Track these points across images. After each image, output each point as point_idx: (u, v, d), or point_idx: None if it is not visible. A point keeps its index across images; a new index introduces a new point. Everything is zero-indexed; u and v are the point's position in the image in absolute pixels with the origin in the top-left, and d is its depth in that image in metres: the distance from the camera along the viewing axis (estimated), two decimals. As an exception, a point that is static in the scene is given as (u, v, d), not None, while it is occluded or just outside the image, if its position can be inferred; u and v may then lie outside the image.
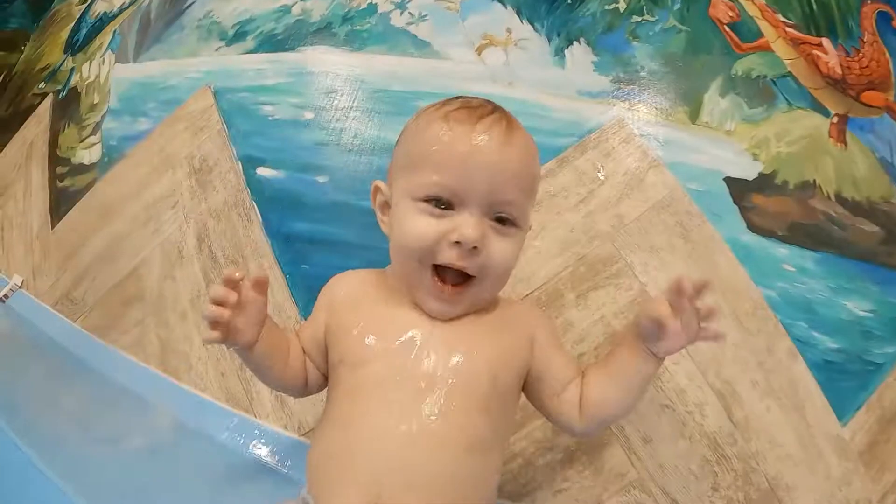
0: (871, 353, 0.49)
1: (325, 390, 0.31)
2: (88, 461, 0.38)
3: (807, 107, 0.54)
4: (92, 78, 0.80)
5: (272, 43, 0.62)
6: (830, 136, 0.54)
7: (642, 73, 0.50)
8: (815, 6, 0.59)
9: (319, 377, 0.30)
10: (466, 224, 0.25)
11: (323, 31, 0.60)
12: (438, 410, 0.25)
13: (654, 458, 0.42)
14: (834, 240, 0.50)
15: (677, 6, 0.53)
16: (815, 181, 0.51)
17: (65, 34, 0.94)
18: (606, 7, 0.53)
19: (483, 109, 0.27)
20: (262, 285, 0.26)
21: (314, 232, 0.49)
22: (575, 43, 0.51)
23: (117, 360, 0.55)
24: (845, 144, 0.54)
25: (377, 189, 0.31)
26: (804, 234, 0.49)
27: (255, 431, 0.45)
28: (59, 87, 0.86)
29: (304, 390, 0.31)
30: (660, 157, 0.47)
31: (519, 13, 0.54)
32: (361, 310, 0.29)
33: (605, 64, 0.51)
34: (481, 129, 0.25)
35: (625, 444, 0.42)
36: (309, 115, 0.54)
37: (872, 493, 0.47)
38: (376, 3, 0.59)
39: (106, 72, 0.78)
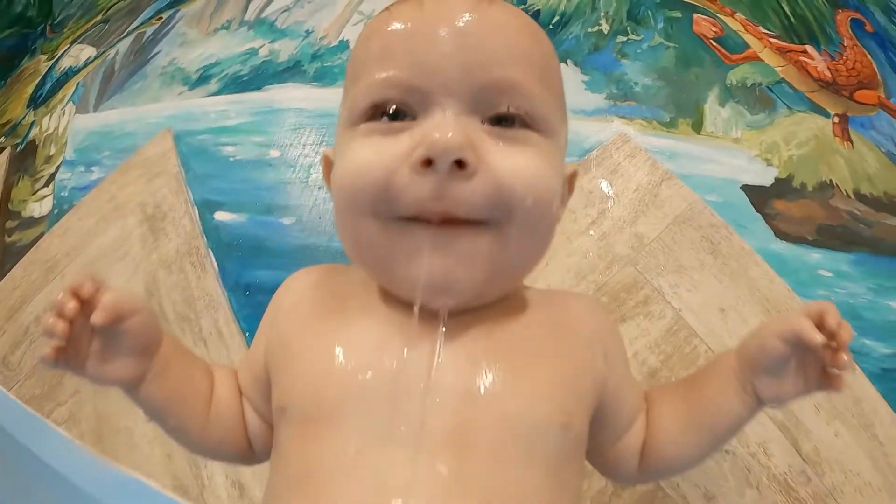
0: None
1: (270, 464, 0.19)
2: None
3: (807, 109, 0.52)
4: (50, 130, 0.75)
5: (237, 84, 0.58)
6: (836, 136, 0.51)
7: (637, 89, 0.47)
8: (792, 17, 0.59)
9: (267, 434, 0.19)
10: (440, 126, 0.13)
11: (291, 70, 0.57)
12: (456, 473, 0.13)
13: None
14: (864, 238, 0.45)
15: (661, 25, 0.52)
16: (831, 181, 0.47)
17: (29, 90, 0.91)
18: (589, 29, 0.51)
19: None
20: (110, 309, 0.15)
21: (278, 279, 0.41)
22: (562, 64, 0.48)
23: (52, 437, 0.44)
24: (851, 142, 0.51)
25: (325, 158, 0.20)
26: (833, 236, 0.44)
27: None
28: (18, 140, 0.81)
29: (249, 456, 0.20)
30: (671, 170, 0.42)
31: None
32: (316, 322, 0.17)
33: (597, 82, 0.48)
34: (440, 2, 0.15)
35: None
36: (274, 154, 0.49)
37: None
38: (347, 40, 0.57)
39: (65, 123, 0.73)
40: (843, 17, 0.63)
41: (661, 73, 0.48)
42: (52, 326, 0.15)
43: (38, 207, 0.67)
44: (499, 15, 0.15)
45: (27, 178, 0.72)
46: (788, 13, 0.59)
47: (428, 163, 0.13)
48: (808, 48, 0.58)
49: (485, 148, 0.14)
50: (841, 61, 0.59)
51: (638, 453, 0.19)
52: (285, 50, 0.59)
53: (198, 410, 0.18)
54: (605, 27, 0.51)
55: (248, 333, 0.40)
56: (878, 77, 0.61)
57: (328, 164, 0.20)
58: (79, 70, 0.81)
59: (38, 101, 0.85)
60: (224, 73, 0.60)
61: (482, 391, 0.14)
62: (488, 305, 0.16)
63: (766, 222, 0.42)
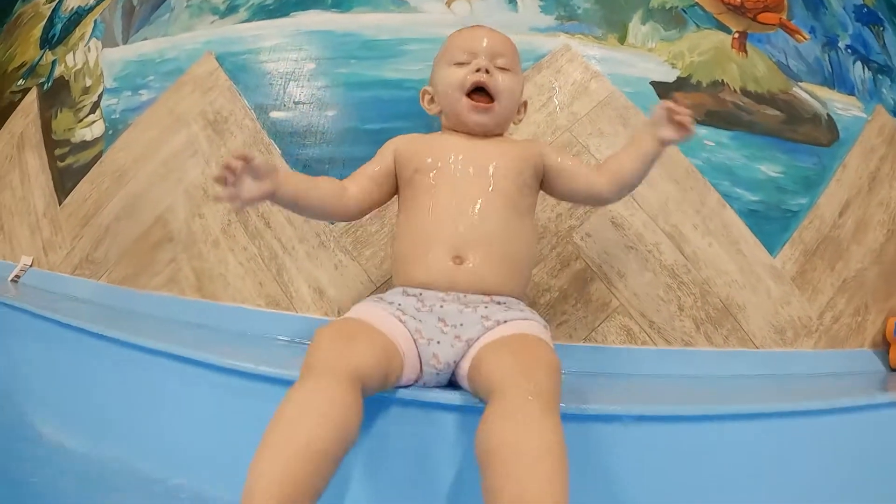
0: (787, 203, 0.73)
1: (398, 208, 0.49)
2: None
3: (712, 27, 0.79)
4: (79, 65, 0.95)
5: (265, 12, 0.80)
6: (733, 48, 0.79)
7: (579, 11, 0.74)
8: None
9: (358, 200, 0.47)
10: (481, 60, 0.48)
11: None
12: (488, 190, 0.44)
13: (628, 288, 0.62)
14: (743, 122, 0.74)
15: None
16: (723, 80, 0.76)
17: (37, 32, 1.09)
18: None
19: (478, 25, 0.54)
20: (247, 158, 0.37)
21: (330, 154, 0.67)
22: (523, -9, 0.74)
23: (150, 299, 0.69)
24: (746, 53, 0.79)
25: (424, 92, 0.53)
26: (718, 119, 0.73)
27: (298, 323, 0.61)
28: (42, 79, 1.01)
29: (343, 212, 0.47)
30: (599, 70, 0.69)
31: (477, -30, 0.77)
32: (424, 144, 0.49)
33: (549, 6, 0.74)
34: (477, 26, 0.53)
35: (605, 279, 0.62)
36: (310, 66, 0.73)
37: (811, 311, 0.70)
38: (359, -29, 0.80)
39: (94, 57, 0.94)
40: None
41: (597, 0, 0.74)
42: (222, 174, 0.37)
43: (90, 132, 0.89)
44: (499, 33, 0.53)
45: (66, 110, 0.93)
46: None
47: (478, 71, 0.48)
48: None
49: (495, 72, 0.49)
50: None
51: (596, 175, 0.49)
52: (303, -20, 0.81)
53: (315, 192, 0.46)
54: None
55: None
56: (785, 2, 0.88)
57: (424, 94, 0.53)
58: (91, 9, 1.01)
59: (53, 41, 1.05)
60: (250, 3, 0.82)
61: (489, 162, 0.47)
62: (493, 136, 0.50)
63: (667, 105, 0.70)
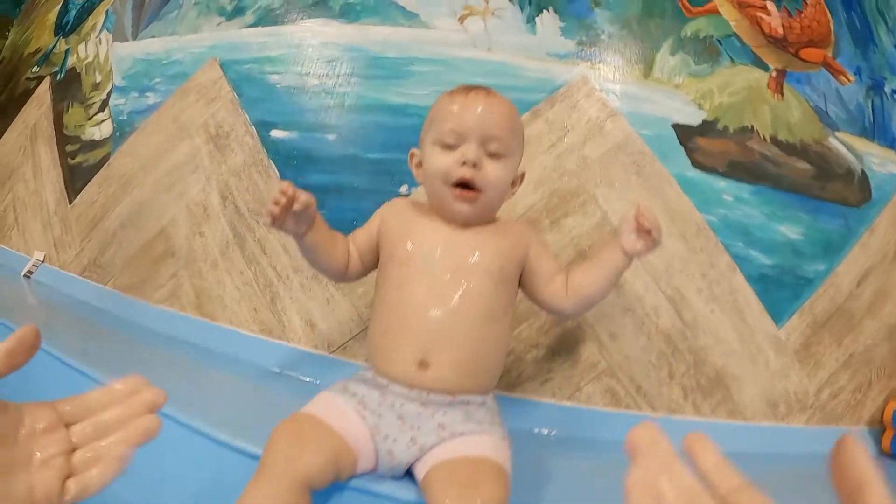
0: (803, 269, 0.66)
1: (375, 289, 0.45)
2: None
3: (748, 62, 0.69)
4: (90, 58, 0.91)
5: (271, 17, 0.74)
6: (769, 88, 0.70)
7: (602, 36, 0.65)
8: None
9: (360, 269, 0.46)
10: (470, 150, 0.41)
11: (318, 6, 0.72)
12: (462, 291, 0.40)
13: (620, 351, 0.58)
14: (769, 175, 0.66)
15: None
16: (752, 126, 0.67)
17: (52, 17, 1.04)
18: None
19: (474, 87, 0.44)
20: (307, 206, 0.39)
21: (328, 181, 0.63)
22: (544, 11, 0.66)
23: (153, 312, 0.68)
24: (782, 95, 0.70)
25: (412, 154, 0.47)
26: (742, 170, 0.65)
27: (289, 354, 0.59)
28: (56, 69, 0.97)
29: (343, 276, 0.46)
30: (617, 108, 0.62)
31: (496, -15, 0.68)
32: (407, 224, 0.44)
33: (571, 29, 0.65)
34: (472, 95, 0.43)
35: (595, 340, 0.58)
36: (313, 82, 0.68)
37: (809, 386, 0.64)
38: (367, -22, 0.72)
39: (105, 51, 0.90)
40: None
41: (625, 23, 0.65)
42: (273, 208, 0.38)
43: (98, 131, 0.86)
44: (495, 101, 0.43)
45: (77, 104, 0.91)
46: (762, -35, 0.73)
47: (465, 163, 0.41)
48: (769, 3, 0.73)
49: (484, 161, 0.42)
50: (797, 19, 0.75)
51: (564, 289, 0.44)
52: (311, -16, 0.74)
53: (327, 252, 0.43)
54: None
55: None
56: (832, 37, 0.77)
57: (412, 156, 0.47)
58: None
59: (67, 29, 1.00)
60: (257, 5, 0.76)
61: (469, 257, 0.42)
62: (477, 224, 0.44)
63: (687, 154, 0.63)
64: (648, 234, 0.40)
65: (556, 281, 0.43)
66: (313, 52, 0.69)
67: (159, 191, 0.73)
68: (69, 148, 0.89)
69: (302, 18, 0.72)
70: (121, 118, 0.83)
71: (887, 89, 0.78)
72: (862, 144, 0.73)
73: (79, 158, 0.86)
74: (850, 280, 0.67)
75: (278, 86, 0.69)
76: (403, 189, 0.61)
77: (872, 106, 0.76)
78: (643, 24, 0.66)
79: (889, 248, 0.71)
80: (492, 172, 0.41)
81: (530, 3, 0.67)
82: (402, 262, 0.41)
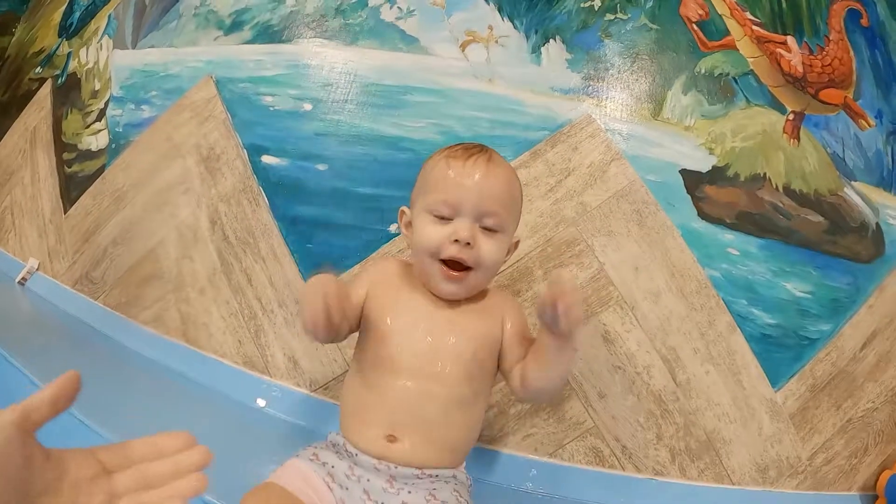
0: (807, 330, 0.61)
1: (353, 353, 0.42)
2: (112, 404, 0.49)
3: (765, 104, 0.63)
4: (90, 64, 0.87)
5: (269, 34, 0.69)
6: (785, 133, 0.63)
7: (612, 71, 0.59)
8: (784, 4, 0.66)
9: (347, 331, 0.41)
10: (462, 227, 0.37)
11: (317, 23, 0.67)
12: (435, 374, 0.37)
13: (607, 410, 0.54)
14: (779, 228, 0.61)
15: (650, 4, 0.61)
16: (765, 174, 0.61)
17: (57, 17, 1.00)
18: (582, 5, 0.61)
19: (473, 150, 0.40)
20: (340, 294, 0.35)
21: (317, 215, 0.59)
22: (551, 41, 0.60)
23: (141, 333, 0.65)
24: (798, 140, 0.64)
25: (402, 213, 0.43)
26: (750, 223, 0.59)
27: (271, 390, 0.56)
28: (58, 72, 0.93)
29: (336, 339, 0.40)
30: (622, 151, 0.57)
31: (500, 10, 0.62)
32: (392, 294, 0.41)
33: (578, 61, 0.59)
34: (470, 162, 0.38)
35: (583, 397, 0.54)
36: (307, 107, 0.63)
37: (802, 451, 0.60)
38: (366, -2, 0.67)
39: (105, 58, 0.85)
40: (839, 8, 0.69)
41: (636, 58, 0.59)
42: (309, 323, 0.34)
43: (95, 141, 0.83)
44: (495, 170, 0.38)
45: (76, 111, 0.87)
46: (782, -1, 0.66)
47: (456, 241, 0.37)
48: (790, 39, 0.66)
49: (479, 239, 0.38)
50: (819, 57, 0.68)
51: (519, 381, 0.39)
52: (311, 1, 0.69)
53: (337, 328, 0.37)
54: (597, 2, 0.60)
55: (296, 255, 0.59)
56: (853, 76, 0.70)
57: (402, 215, 0.43)
58: (107, 1, 0.90)
59: (71, 31, 0.96)
60: (256, 21, 0.71)
61: (447, 340, 0.39)
62: (462, 301, 0.40)
63: (693, 203, 0.57)
64: (562, 314, 0.32)
65: (515, 372, 0.39)
66: (309, 74, 0.64)
67: (150, 210, 0.70)
68: (66, 156, 0.85)
69: (300, 37, 0.67)
70: (117, 129, 0.79)
71: (909, 134, 0.71)
72: (879, 195, 0.66)
73: (75, 167, 0.83)
74: (855, 343, 0.62)
75: (272, 108, 0.65)
76: (392, 228, 0.57)
77: (892, 153, 0.70)
78: (655, 59, 0.60)
79: (898, 307, 0.65)
80: (485, 249, 0.38)
81: (536, 32, 0.61)
82: (381, 338, 0.39)
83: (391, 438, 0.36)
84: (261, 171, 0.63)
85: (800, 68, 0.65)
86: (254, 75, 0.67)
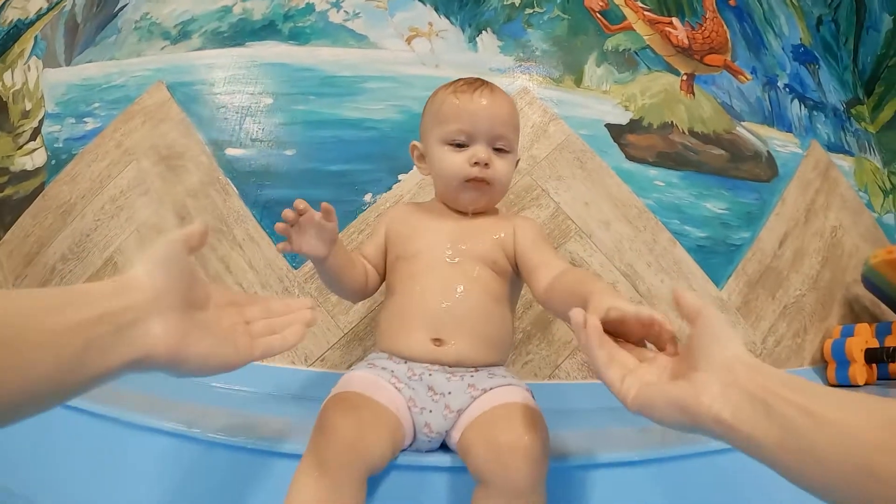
0: (732, 238, 0.80)
1: (384, 288, 0.48)
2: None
3: (662, 69, 0.84)
4: (18, 85, 0.90)
5: (219, 40, 0.79)
6: (681, 90, 0.85)
7: (537, 53, 0.77)
8: None
9: (377, 279, 0.48)
10: (480, 150, 0.45)
11: (267, 29, 0.78)
12: (469, 277, 0.44)
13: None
14: (691, 161, 0.80)
15: None
16: (672, 122, 0.81)
17: None
18: (505, 2, 0.79)
19: (475, 83, 0.47)
20: (329, 213, 0.39)
21: (290, 196, 0.66)
22: (483, 32, 0.76)
23: None
24: (693, 94, 0.85)
25: (414, 147, 0.50)
26: (668, 160, 0.78)
27: (265, 372, 0.60)
28: (-26, 97, 0.93)
29: (363, 293, 0.48)
30: (556, 113, 0.73)
31: (437, 9, 0.78)
32: (412, 223, 0.48)
33: (509, 47, 0.76)
34: (477, 94, 0.46)
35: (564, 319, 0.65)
36: (267, 101, 0.73)
37: (755, 337, 0.76)
38: (313, 3, 0.80)
39: (34, 78, 0.89)
40: None
41: (555, 41, 0.78)
42: (287, 214, 0.37)
43: (30, 160, 0.84)
44: (500, 98, 0.47)
45: (5, 135, 0.87)
46: (664, -13, 0.90)
47: (476, 163, 0.45)
48: (675, 20, 0.90)
49: (493, 159, 0.46)
50: (699, 31, 0.92)
51: (541, 289, 0.42)
52: (258, 9, 0.80)
53: (349, 274, 0.44)
54: (517, 0, 0.79)
55: (273, 237, 0.65)
56: (729, 44, 0.96)
57: (414, 149, 0.51)
58: (31, 23, 0.95)
59: (-12, 55, 0.97)
60: (204, 29, 0.80)
61: (472, 246, 0.46)
62: (480, 215, 0.49)
63: (620, 149, 0.75)
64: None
65: (538, 277, 0.43)
66: (267, 72, 0.74)
67: (104, 219, 0.73)
68: None
69: (251, 41, 0.77)
70: (56, 146, 0.82)
71: (780, 84, 0.97)
72: (764, 131, 0.89)
73: (8, 191, 0.83)
74: (772, 244, 0.81)
75: (230, 106, 0.73)
76: (368, 197, 0.67)
77: (769, 99, 0.94)
78: (570, 42, 0.79)
79: (800, 214, 0.86)
80: (500, 167, 0.46)
81: (470, 25, 0.77)
82: (411, 256, 0.45)
83: (438, 342, 0.41)
84: (226, 164, 0.70)
85: (685, 41, 0.88)
86: (207, 77, 0.76)
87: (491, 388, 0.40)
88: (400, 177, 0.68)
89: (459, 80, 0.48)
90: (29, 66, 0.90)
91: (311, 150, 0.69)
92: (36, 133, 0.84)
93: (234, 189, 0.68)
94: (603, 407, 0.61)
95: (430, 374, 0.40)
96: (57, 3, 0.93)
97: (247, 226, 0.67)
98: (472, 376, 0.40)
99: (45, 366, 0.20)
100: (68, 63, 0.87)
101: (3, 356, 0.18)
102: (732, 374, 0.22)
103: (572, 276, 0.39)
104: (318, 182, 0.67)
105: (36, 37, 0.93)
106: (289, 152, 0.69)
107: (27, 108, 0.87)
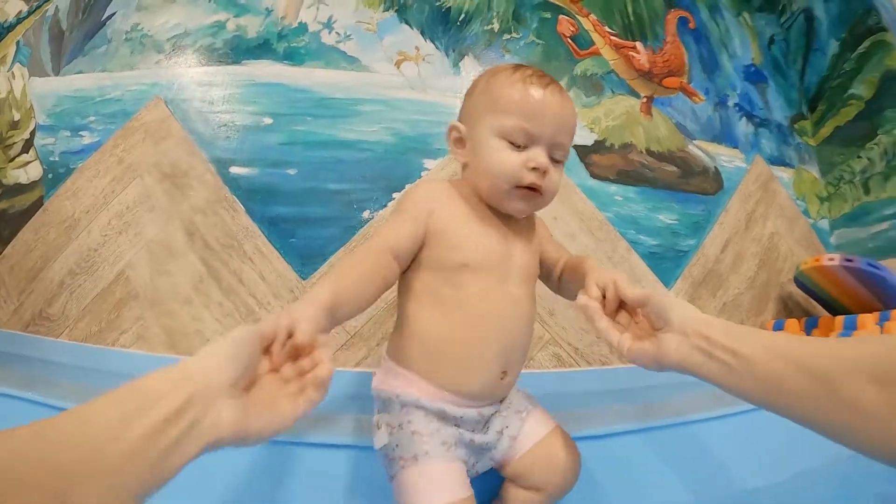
0: (680, 245, 0.98)
1: (414, 297, 0.45)
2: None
3: (625, 92, 1.00)
4: (3, 94, 0.94)
5: (214, 56, 0.87)
6: (641, 111, 1.01)
7: (516, 77, 0.90)
8: (631, 17, 1.06)
9: (397, 273, 0.42)
10: (540, 156, 0.42)
11: (262, 47, 0.88)
12: (523, 296, 0.44)
13: (557, 323, 0.83)
14: (647, 178, 0.97)
15: (535, 25, 0.95)
16: (631, 142, 0.98)
17: None
18: (485, 28, 0.92)
19: (547, 78, 0.44)
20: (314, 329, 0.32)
21: (294, 213, 0.79)
22: (465, 57, 0.89)
23: (116, 356, 0.76)
24: (651, 116, 1.02)
25: (454, 128, 0.46)
26: (627, 177, 0.95)
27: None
28: (-48, 105, 0.97)
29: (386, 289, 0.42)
30: (532, 135, 0.87)
31: (422, 33, 0.90)
32: (454, 223, 0.44)
33: (490, 72, 0.90)
34: (549, 92, 0.42)
35: (538, 318, 0.82)
36: (267, 121, 0.83)
37: None
38: (306, 23, 0.90)
39: (21, 86, 0.94)
40: (672, 16, 1.12)
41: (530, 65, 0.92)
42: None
43: (24, 173, 0.90)
44: (565, 102, 0.44)
45: None
46: (630, 12, 1.06)
47: (535, 169, 0.43)
48: (638, 44, 1.06)
49: (550, 168, 0.44)
50: (659, 55, 1.09)
51: (555, 281, 0.50)
52: (251, 26, 0.89)
53: (369, 295, 0.39)
54: (496, 26, 0.93)
55: (281, 250, 0.77)
56: (686, 67, 1.13)
57: (453, 130, 0.47)
58: (11, 27, 0.99)
59: (-37, 59, 1.00)
60: (198, 45, 0.88)
61: (522, 254, 0.47)
62: (525, 218, 0.50)
63: (585, 168, 0.91)
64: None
65: (555, 272, 0.49)
66: (262, 91, 0.85)
67: (111, 234, 0.82)
68: None
69: (246, 59, 0.87)
70: (51, 159, 0.89)
71: (730, 103, 1.16)
72: (713, 148, 1.08)
73: (3, 204, 0.90)
74: (715, 249, 1.00)
75: (231, 125, 0.83)
76: (366, 214, 0.80)
77: (720, 118, 1.13)
78: (544, 66, 0.93)
79: (740, 223, 1.06)
80: (554, 178, 0.44)
81: (454, 50, 0.90)
82: (459, 266, 0.42)
83: (503, 375, 0.42)
84: (231, 181, 0.81)
85: (646, 64, 1.04)
86: (207, 95, 0.85)
87: (528, 411, 0.47)
88: (394, 195, 0.81)
89: (525, 67, 0.45)
90: (13, 73, 0.95)
91: (311, 169, 0.81)
92: (28, 145, 0.90)
93: (241, 206, 0.80)
94: (569, 392, 0.79)
95: (484, 431, 0.44)
96: (38, 7, 0.97)
97: (256, 241, 0.78)
98: (510, 400, 0.46)
99: (130, 484, 0.21)
100: (56, 73, 0.93)
101: (84, 492, 0.20)
102: (684, 331, 0.34)
103: (569, 264, 0.48)
104: (318, 200, 0.80)
105: (18, 42, 0.97)
106: (290, 171, 0.81)
107: (16, 119, 0.92)
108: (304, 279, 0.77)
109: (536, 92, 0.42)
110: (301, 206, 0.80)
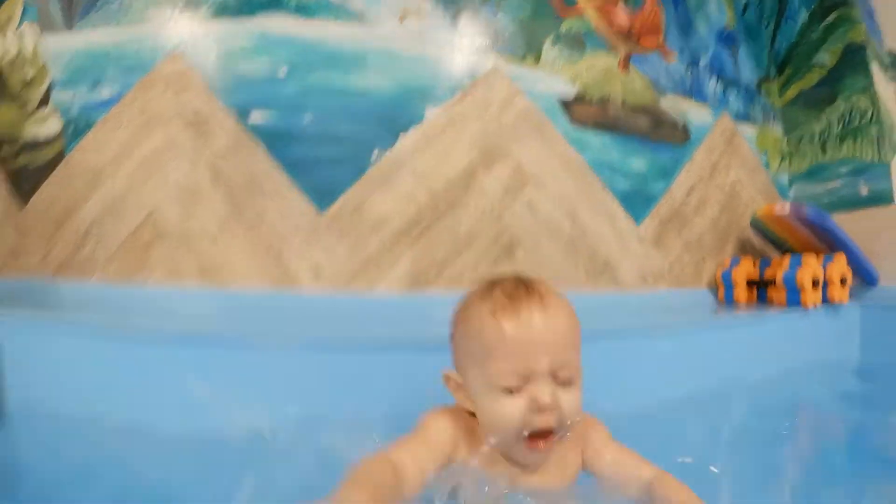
0: (650, 187, 1.14)
1: None
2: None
3: (604, 50, 1.13)
4: (13, 53, 0.99)
5: (228, 9, 0.95)
6: (619, 68, 1.14)
7: (506, 34, 1.02)
8: None
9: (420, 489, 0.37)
10: (542, 393, 0.36)
11: (274, 1, 0.96)
12: None
13: (542, 254, 0.97)
14: (621, 127, 1.11)
15: None
16: (609, 96, 1.11)
17: None
18: None
19: (518, 293, 0.38)
20: None
21: (311, 154, 0.90)
22: (462, 13, 1.00)
23: (148, 294, 0.86)
24: (628, 72, 1.15)
25: (448, 378, 0.42)
26: (604, 126, 1.09)
27: (301, 303, 0.86)
28: (-38, 65, 1.01)
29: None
30: (520, 87, 1.00)
31: (422, -8, 1.00)
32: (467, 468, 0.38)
33: (484, 29, 1.01)
34: (525, 314, 0.37)
35: (524, 248, 0.95)
36: (283, 71, 0.92)
37: (664, 264, 1.13)
38: (317, -23, 0.98)
39: (32, 44, 0.99)
40: None
41: (520, 24, 1.04)
42: None
43: (43, 128, 0.96)
44: (551, 317, 0.38)
45: (7, 103, 0.97)
46: (613, -25, 1.17)
47: (542, 408, 0.37)
48: (620, 4, 1.18)
49: (559, 397, 0.37)
50: (638, 15, 1.21)
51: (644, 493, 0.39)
52: (261, -19, 0.97)
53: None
54: None
55: (301, 187, 0.88)
56: (662, 27, 1.26)
57: (448, 380, 0.43)
58: None
59: (-34, 18, 1.03)
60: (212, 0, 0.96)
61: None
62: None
63: (567, 116, 1.04)
64: None
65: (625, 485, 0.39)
66: (276, 44, 0.93)
67: (137, 181, 0.91)
68: (6, 150, 0.97)
69: (259, 12, 0.95)
70: (71, 113, 0.96)
71: (702, 63, 1.30)
72: (684, 103, 1.22)
73: (22, 160, 0.96)
74: (682, 193, 1.16)
75: (248, 75, 0.92)
76: (375, 154, 0.91)
77: (692, 75, 1.27)
78: (533, 24, 1.04)
79: (705, 171, 1.22)
80: (568, 405, 0.38)
81: (451, 7, 1.00)
82: None
83: None
84: (251, 127, 0.90)
85: (626, 24, 1.17)
86: (223, 48, 0.93)
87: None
88: (400, 135, 0.92)
89: (494, 285, 0.41)
90: (23, 32, 1.00)
91: (326, 115, 0.91)
92: (45, 100, 0.97)
93: (263, 149, 0.89)
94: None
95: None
96: (41, -34, 1.02)
97: (276, 180, 0.89)
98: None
99: None
100: (69, 28, 0.99)
101: None
102: None
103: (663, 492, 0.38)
104: (333, 142, 0.90)
105: (24, 2, 1.02)
106: (306, 117, 0.91)
107: (28, 76, 0.98)
108: (321, 211, 0.88)
109: (511, 323, 0.38)
110: (317, 147, 0.90)
